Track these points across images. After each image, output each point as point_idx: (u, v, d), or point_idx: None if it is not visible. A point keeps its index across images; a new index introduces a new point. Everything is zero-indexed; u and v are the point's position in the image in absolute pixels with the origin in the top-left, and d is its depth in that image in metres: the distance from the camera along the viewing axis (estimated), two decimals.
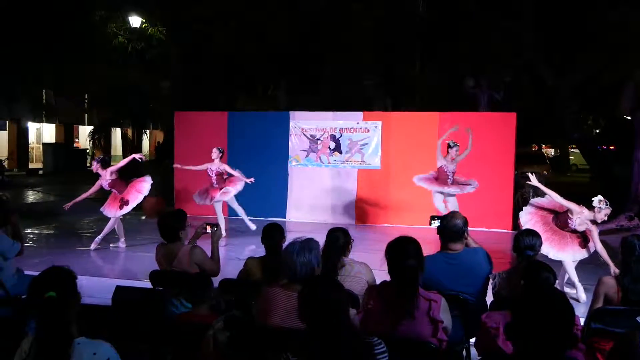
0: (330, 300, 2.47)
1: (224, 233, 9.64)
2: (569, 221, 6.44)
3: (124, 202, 8.88)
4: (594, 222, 6.31)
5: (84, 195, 8.94)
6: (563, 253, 6.51)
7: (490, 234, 10.50)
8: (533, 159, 20.77)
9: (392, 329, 3.14)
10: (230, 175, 9.85)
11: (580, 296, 6.50)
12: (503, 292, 4.07)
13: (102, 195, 9.44)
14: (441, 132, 11.77)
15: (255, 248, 8.62)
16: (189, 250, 4.59)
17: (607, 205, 6.21)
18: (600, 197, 6.25)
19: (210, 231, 4.80)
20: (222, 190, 9.76)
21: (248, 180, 9.77)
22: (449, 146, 9.59)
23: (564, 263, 6.63)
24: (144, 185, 9.16)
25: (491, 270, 4.09)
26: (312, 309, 2.45)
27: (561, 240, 6.54)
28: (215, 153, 9.84)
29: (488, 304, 4.09)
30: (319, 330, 2.42)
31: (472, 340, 3.68)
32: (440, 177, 9.70)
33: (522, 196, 11.69)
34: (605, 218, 6.33)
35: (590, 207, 6.27)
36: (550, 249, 6.40)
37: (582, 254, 6.53)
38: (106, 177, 8.91)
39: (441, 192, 9.62)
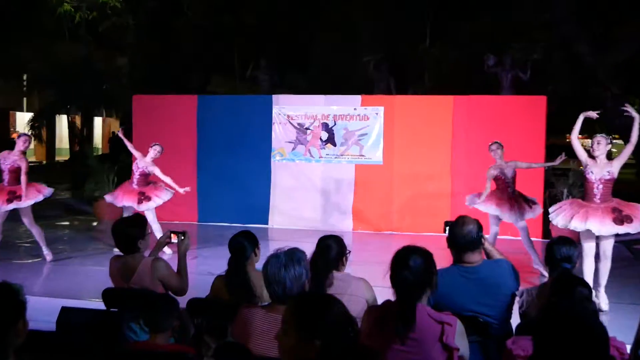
0: (334, 317, 2.40)
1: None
2: (588, 177, 6.99)
3: (15, 197, 8.77)
4: (608, 159, 6.98)
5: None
6: (585, 223, 6.85)
7: (516, 243, 10.52)
8: (567, 151, 20.81)
9: (397, 358, 3.13)
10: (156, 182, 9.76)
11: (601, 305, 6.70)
12: (532, 313, 4.07)
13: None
14: (456, 119, 11.79)
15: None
16: (151, 263, 4.58)
17: (603, 135, 7.02)
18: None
19: (175, 241, 4.78)
20: (142, 199, 9.46)
21: (181, 191, 9.55)
22: (489, 149, 8.96)
23: (583, 251, 6.87)
24: (47, 191, 9.07)
25: (518, 286, 4.09)
26: (311, 328, 2.38)
27: (586, 212, 6.90)
28: (154, 151, 9.68)
29: (514, 326, 4.09)
30: (324, 355, 2.36)
31: None
32: (498, 187, 8.96)
33: (551, 196, 11.71)
34: (605, 148, 6.96)
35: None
36: (572, 221, 6.91)
37: (613, 228, 6.77)
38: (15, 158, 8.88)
39: (498, 217, 8.78)
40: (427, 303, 3.30)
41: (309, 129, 12.51)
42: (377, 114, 12.24)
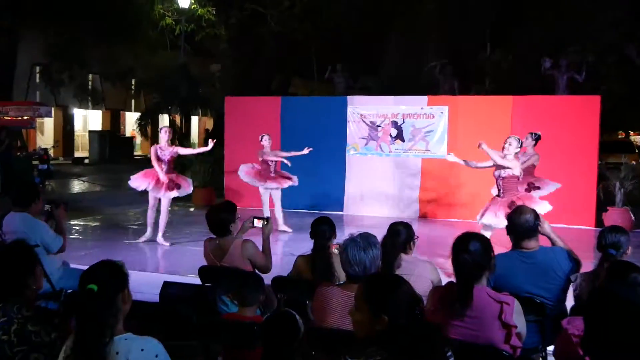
0: (401, 296, 2.38)
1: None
2: (494, 174, 7.15)
3: (175, 185, 8.93)
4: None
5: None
6: (484, 216, 7.04)
7: (570, 231, 10.20)
8: (619, 147, 20.09)
9: (458, 334, 3.10)
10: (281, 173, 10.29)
11: None
12: (584, 296, 3.95)
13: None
14: (514, 118, 11.52)
15: (309, 244, 8.64)
16: (241, 244, 4.63)
17: (513, 137, 7.21)
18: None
19: (259, 225, 4.80)
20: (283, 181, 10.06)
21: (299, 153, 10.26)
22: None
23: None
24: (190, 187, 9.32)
25: (574, 270, 3.97)
26: (381, 304, 2.38)
27: (490, 204, 7.09)
28: (267, 140, 10.03)
29: (569, 308, 3.98)
30: (392, 329, 2.34)
31: (550, 348, 3.59)
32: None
33: (605, 189, 11.30)
34: (514, 149, 7.10)
35: None
36: (484, 216, 7.05)
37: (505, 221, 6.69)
38: (170, 149, 9.06)
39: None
40: (487, 284, 3.26)
41: (380, 127, 12.43)
42: (441, 112, 12.06)
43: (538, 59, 14.03)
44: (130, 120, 32.16)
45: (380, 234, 3.84)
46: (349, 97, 12.96)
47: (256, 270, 4.61)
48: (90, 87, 29.85)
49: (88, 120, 33.56)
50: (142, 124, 24.76)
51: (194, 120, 35.07)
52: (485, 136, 11.56)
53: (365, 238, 3.38)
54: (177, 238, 9.50)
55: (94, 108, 31.99)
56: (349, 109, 12.62)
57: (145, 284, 5.32)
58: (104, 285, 2.46)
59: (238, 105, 13.50)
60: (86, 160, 28.21)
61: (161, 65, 23.84)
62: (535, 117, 11.37)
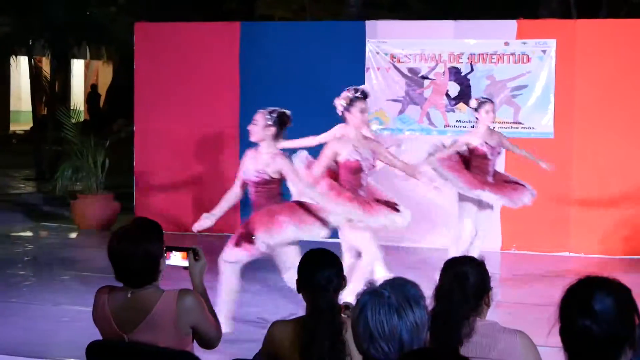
0: None
1: None
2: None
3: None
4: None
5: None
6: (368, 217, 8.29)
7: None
8: None
9: None
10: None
11: None
12: None
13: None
14: None
15: (296, 301, 8.64)
16: (176, 299, 4.53)
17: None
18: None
19: (181, 262, 4.72)
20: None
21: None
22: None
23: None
24: None
25: None
26: None
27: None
28: (489, 111, 9.94)
29: None
30: None
31: None
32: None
33: None
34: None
35: None
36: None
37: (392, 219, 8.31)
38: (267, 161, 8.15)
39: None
40: None
41: (428, 79, 12.49)
42: (544, 51, 12.15)
43: None
44: None
45: (427, 280, 3.86)
46: (369, 23, 13.09)
47: (194, 344, 4.61)
48: None
49: None
50: None
51: (77, 66, 35.08)
52: (628, 92, 11.73)
53: (400, 290, 3.35)
54: (45, 290, 9.54)
55: None
56: (370, 46, 12.71)
57: None
58: None
59: (158, 36, 13.59)
60: None
61: None
62: None
